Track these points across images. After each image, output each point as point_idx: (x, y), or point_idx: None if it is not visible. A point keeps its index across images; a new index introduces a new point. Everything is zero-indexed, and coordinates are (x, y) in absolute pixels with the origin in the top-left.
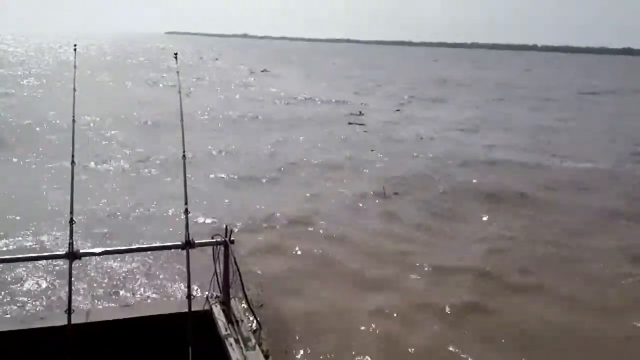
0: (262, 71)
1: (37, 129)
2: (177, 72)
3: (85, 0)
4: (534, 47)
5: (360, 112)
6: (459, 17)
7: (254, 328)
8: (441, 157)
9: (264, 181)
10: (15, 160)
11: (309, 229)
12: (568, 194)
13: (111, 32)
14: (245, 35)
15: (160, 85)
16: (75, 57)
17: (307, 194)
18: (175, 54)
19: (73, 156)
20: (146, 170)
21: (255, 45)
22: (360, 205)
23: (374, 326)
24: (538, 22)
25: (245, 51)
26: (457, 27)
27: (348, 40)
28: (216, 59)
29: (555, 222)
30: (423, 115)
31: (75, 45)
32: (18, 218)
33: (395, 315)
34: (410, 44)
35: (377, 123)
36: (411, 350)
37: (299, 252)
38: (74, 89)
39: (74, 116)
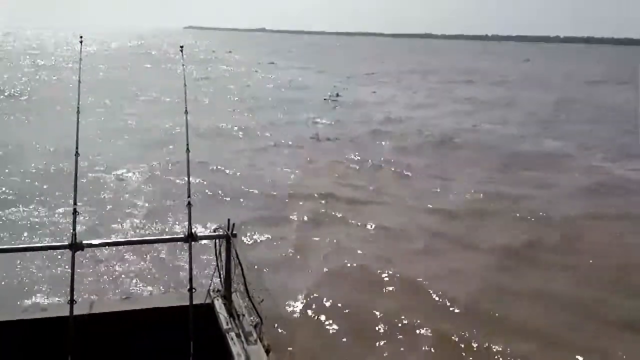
0: (269, 63)
1: None
2: (183, 65)
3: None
4: (555, 39)
5: (338, 93)
6: (482, 10)
7: (256, 322)
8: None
9: None
10: None
11: None
12: None
13: (133, 27)
14: (263, 29)
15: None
16: (80, 50)
17: None
18: (181, 47)
19: (77, 147)
20: None
21: (272, 38)
22: None
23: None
24: (560, 14)
25: (259, 45)
26: (480, 19)
27: (365, 33)
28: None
29: None
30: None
31: (81, 37)
32: None
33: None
34: (430, 36)
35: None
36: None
37: None
38: (79, 81)
39: (78, 107)
